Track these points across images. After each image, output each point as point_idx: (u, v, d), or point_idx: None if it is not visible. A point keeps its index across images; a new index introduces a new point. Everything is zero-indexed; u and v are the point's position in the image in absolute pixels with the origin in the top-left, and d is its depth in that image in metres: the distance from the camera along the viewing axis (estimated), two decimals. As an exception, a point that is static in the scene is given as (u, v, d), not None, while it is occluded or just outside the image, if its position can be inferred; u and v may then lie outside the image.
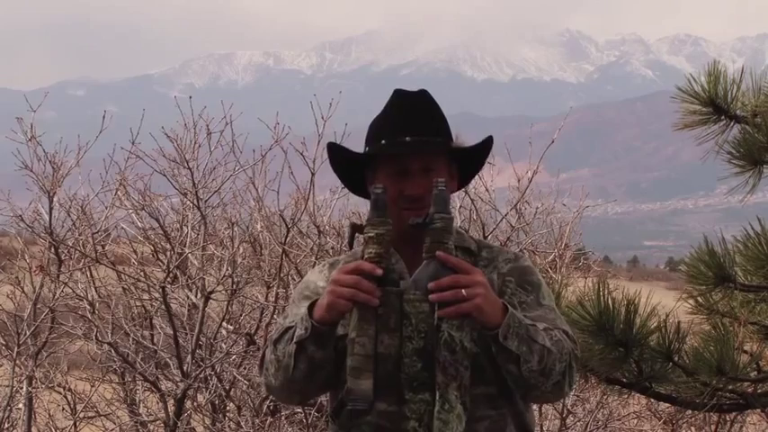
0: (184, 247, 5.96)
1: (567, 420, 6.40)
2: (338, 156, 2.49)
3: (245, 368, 6.01)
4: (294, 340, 2.28)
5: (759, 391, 3.46)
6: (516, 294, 2.36)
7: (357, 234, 2.29)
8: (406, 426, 2.24)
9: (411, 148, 2.34)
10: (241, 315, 6.37)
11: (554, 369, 2.24)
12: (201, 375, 5.83)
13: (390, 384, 2.26)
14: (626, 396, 3.80)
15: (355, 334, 2.17)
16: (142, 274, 6.38)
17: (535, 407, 3.36)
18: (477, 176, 2.69)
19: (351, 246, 2.37)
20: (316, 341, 2.25)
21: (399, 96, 2.43)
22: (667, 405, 5.58)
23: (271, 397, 5.60)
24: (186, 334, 5.98)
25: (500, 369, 2.26)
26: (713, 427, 6.67)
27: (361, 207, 6.50)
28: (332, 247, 6.01)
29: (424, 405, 2.20)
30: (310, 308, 2.27)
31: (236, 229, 6.31)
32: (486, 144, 2.47)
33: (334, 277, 2.22)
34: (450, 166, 2.42)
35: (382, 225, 2.21)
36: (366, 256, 2.20)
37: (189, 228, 6.03)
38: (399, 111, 2.40)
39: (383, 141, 2.37)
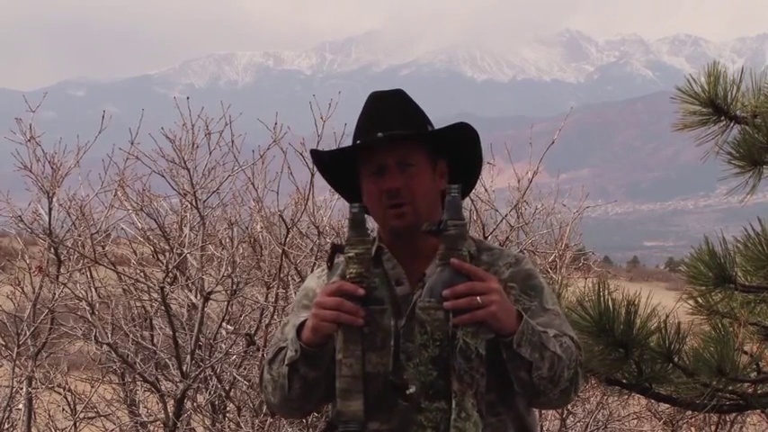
0: (183, 247, 5.96)
1: (567, 421, 6.41)
2: (318, 161, 2.51)
3: (244, 368, 6.01)
4: (286, 362, 2.28)
5: (759, 391, 3.46)
6: (520, 300, 2.34)
7: (337, 254, 2.29)
8: None
9: (380, 141, 2.33)
10: (241, 315, 6.36)
11: (563, 376, 2.24)
12: (201, 376, 5.83)
13: (382, 403, 2.24)
14: (626, 397, 3.80)
15: (342, 355, 2.17)
16: (142, 274, 6.38)
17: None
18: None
19: (330, 266, 2.36)
20: (307, 363, 2.25)
21: (373, 98, 2.43)
22: (667, 406, 5.57)
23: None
24: (186, 334, 5.98)
25: (500, 375, 2.24)
26: (713, 427, 6.67)
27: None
28: (331, 248, 6.00)
29: (440, 413, 2.15)
30: (299, 329, 2.27)
31: (235, 229, 6.31)
32: (459, 129, 2.40)
33: (317, 300, 2.22)
34: (433, 161, 2.39)
35: (361, 244, 2.20)
36: (348, 277, 2.19)
37: (188, 228, 6.03)
38: (373, 110, 2.40)
39: (358, 141, 2.38)
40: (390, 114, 2.37)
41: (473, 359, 2.12)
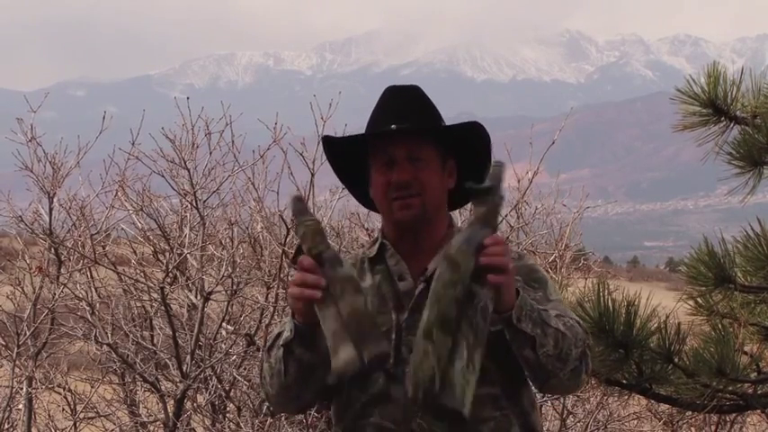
0: (183, 247, 5.96)
1: (567, 421, 6.40)
2: (331, 150, 2.51)
3: (244, 369, 6.00)
4: (281, 343, 2.32)
5: (759, 391, 3.46)
6: (525, 291, 2.34)
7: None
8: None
9: (393, 132, 2.34)
10: (241, 315, 6.36)
11: (570, 354, 2.24)
12: (201, 376, 5.83)
13: (382, 396, 2.29)
14: (626, 397, 3.80)
15: (323, 323, 2.18)
16: (142, 274, 6.38)
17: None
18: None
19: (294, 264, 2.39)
20: (301, 342, 2.27)
21: (390, 91, 2.45)
22: (667, 406, 5.57)
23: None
24: (186, 334, 5.98)
25: (505, 370, 2.25)
26: (713, 427, 6.67)
27: (360, 207, 6.48)
28: (331, 248, 6.00)
29: (445, 349, 2.12)
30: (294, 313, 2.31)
31: (235, 229, 6.31)
32: (472, 127, 2.42)
33: (289, 282, 2.27)
34: (443, 159, 2.40)
35: (302, 224, 2.24)
36: (307, 252, 2.23)
37: (188, 228, 6.03)
38: (388, 103, 2.41)
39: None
40: (405, 108, 2.38)
41: (487, 322, 2.12)
